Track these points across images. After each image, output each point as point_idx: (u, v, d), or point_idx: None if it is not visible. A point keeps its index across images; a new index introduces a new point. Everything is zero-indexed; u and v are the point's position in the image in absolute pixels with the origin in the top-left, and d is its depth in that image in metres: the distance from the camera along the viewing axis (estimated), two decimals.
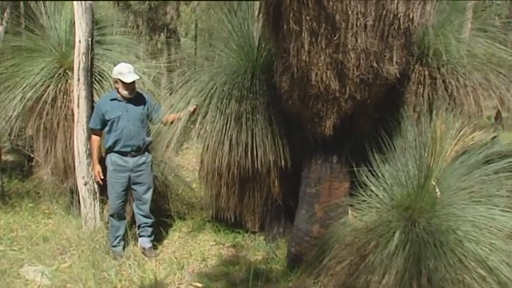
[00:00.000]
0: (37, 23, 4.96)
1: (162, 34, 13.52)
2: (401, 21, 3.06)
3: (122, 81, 4.13)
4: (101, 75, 4.89)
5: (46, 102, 4.75)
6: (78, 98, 4.51)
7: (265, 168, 4.06)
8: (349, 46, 3.10)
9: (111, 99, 4.25)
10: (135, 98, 4.25)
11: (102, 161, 4.43)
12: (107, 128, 4.25)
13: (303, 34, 3.13)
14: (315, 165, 3.83)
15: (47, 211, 5.91)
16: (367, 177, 3.74)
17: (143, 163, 4.33)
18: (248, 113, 3.99)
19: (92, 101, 4.60)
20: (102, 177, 4.34)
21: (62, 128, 4.86)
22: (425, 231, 3.26)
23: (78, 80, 4.51)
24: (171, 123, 4.32)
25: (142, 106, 4.30)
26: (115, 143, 4.23)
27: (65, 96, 4.85)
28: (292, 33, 3.20)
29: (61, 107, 4.84)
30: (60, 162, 4.97)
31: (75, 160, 4.58)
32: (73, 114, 4.61)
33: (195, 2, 14.51)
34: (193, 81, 4.30)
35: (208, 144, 4.13)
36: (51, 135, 4.88)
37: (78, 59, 4.52)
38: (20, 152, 7.69)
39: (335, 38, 3.10)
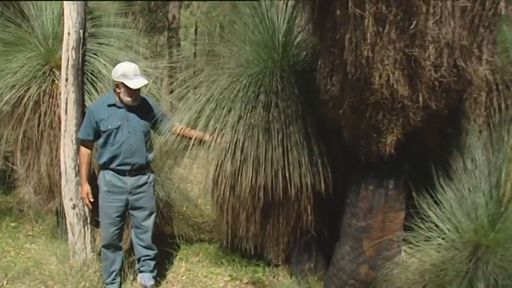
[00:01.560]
0: (18, 11, 4.12)
1: (162, 37, 12.68)
2: (502, 4, 2.26)
3: (126, 87, 3.30)
4: (94, 75, 4.03)
5: (27, 107, 3.90)
6: (66, 102, 3.68)
7: (296, 192, 3.24)
8: (428, 38, 2.30)
9: (109, 105, 3.42)
10: (139, 104, 3.43)
11: (93, 179, 3.61)
12: (101, 140, 3.42)
13: (366, 21, 2.32)
14: (365, 192, 3.01)
15: (30, 232, 5.11)
16: (428, 206, 2.98)
17: (144, 184, 3.50)
18: (278, 123, 3.16)
19: (83, 106, 3.77)
20: (92, 200, 3.51)
21: (46, 138, 4.02)
22: (500, 275, 2.67)
23: (67, 80, 3.68)
24: (184, 136, 3.49)
25: (146, 115, 3.47)
26: (111, 159, 3.41)
27: (50, 100, 4.01)
28: (349, 21, 2.39)
29: (46, 112, 4.00)
30: (45, 179, 4.13)
31: (61, 178, 3.74)
32: (60, 122, 3.77)
33: (195, 4, 13.83)
34: (208, 83, 3.47)
35: (226, 160, 3.31)
36: (33, 147, 4.04)
37: (67, 54, 3.69)
38: (6, 159, 6.84)
39: (411, 27, 2.30)
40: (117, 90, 3.37)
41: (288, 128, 3.14)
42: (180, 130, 3.50)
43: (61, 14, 3.93)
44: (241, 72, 3.50)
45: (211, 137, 3.31)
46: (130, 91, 3.32)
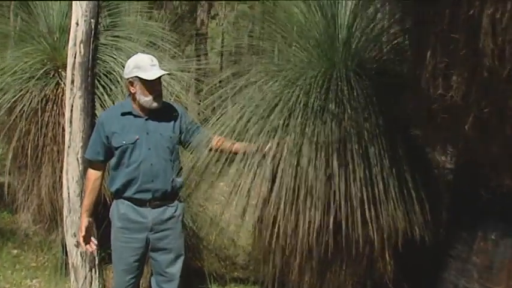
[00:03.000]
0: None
1: (191, 44, 11.97)
2: None
3: (141, 80, 2.49)
4: (108, 77, 3.22)
5: (24, 115, 3.11)
6: (72, 110, 2.89)
7: (379, 238, 2.34)
8: None
9: (123, 114, 2.60)
10: (162, 111, 2.61)
11: (105, 208, 2.79)
12: (113, 160, 2.60)
13: None
14: (483, 242, 2.11)
15: (33, 264, 4.29)
16: None
17: (170, 218, 2.65)
18: (355, 142, 2.28)
19: (93, 116, 2.97)
20: (95, 245, 2.67)
21: (48, 155, 3.23)
22: None
23: (72, 81, 2.88)
24: (226, 152, 2.61)
25: (172, 125, 2.64)
26: (126, 185, 2.57)
27: (54, 107, 3.22)
28: None
29: (48, 123, 3.21)
30: (46, 205, 3.33)
31: (63, 206, 2.94)
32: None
33: (222, 14, 13.20)
34: (254, 88, 2.62)
35: (280, 187, 2.43)
36: (33, 165, 3.25)
37: (74, 50, 2.91)
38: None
39: None
40: (132, 90, 2.55)
41: (368, 148, 2.25)
42: (220, 143, 2.62)
43: (70, 4, 3.15)
44: (297, 75, 2.64)
45: (264, 149, 2.43)
46: (148, 87, 2.50)
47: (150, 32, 3.50)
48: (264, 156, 2.40)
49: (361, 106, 2.39)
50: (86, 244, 2.64)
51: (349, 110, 2.33)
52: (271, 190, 2.52)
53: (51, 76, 3.25)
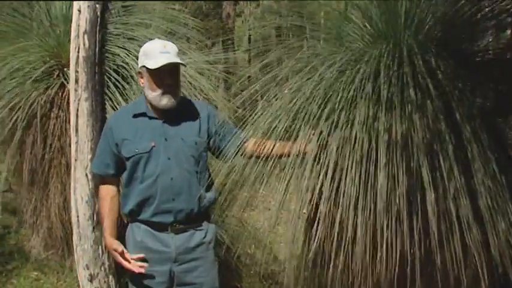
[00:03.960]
0: None
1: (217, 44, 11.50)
2: None
3: (148, 70, 1.95)
4: (120, 73, 2.69)
5: (20, 125, 2.62)
6: (77, 115, 2.37)
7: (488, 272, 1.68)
8: None
9: (136, 115, 2.05)
10: (184, 111, 2.05)
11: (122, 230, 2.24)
12: (125, 175, 2.06)
13: None
14: None
15: None
16: None
17: (199, 245, 2.08)
18: (446, 143, 1.64)
19: (103, 121, 2.43)
20: (141, 267, 2.04)
21: (56, 170, 2.73)
22: None
23: (76, 81, 2.37)
24: (267, 155, 1.98)
25: (198, 127, 2.08)
26: (141, 205, 2.02)
27: (60, 113, 2.72)
28: None
29: (53, 132, 2.71)
30: (57, 228, 2.83)
31: (73, 232, 2.41)
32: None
33: (248, 11, 12.77)
34: (300, 77, 2.01)
35: (342, 204, 1.80)
36: (39, 183, 2.75)
37: (77, 42, 2.39)
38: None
39: None
40: (141, 84, 2.01)
41: (467, 149, 1.61)
42: (259, 146, 1.98)
43: None
44: (355, 56, 2.01)
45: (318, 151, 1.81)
46: (154, 78, 1.95)
47: (172, 18, 2.93)
48: (318, 160, 1.79)
49: (452, 93, 1.74)
50: (128, 263, 2.01)
51: (438, 100, 1.68)
52: (330, 206, 1.91)
53: (55, 77, 2.74)
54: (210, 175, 2.11)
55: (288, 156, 1.86)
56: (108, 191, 2.11)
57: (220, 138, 2.09)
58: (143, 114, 2.04)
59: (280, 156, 1.95)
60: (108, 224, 2.08)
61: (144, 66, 1.96)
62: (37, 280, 4.03)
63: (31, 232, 2.96)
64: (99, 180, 2.17)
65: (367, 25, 2.13)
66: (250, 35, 13.73)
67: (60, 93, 2.71)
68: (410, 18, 1.94)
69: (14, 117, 2.55)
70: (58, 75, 2.75)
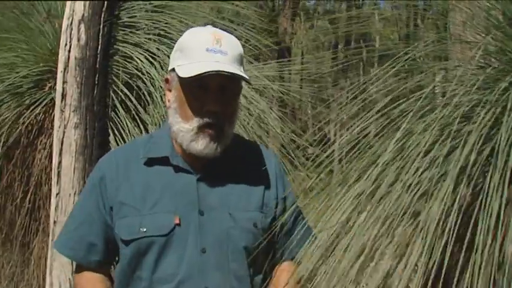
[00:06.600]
0: None
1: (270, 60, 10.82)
2: None
3: (180, 79, 1.02)
4: (135, 88, 1.76)
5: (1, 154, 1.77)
6: (61, 151, 1.47)
7: None
8: None
9: (149, 162, 1.10)
10: (233, 160, 1.10)
11: None
12: (119, 269, 1.11)
13: None
14: None
15: None
16: None
17: None
18: None
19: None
20: None
21: (43, 224, 1.85)
22: None
23: (63, 96, 1.48)
24: None
25: (259, 193, 1.12)
26: None
27: (50, 141, 1.85)
28: None
29: (41, 169, 1.84)
30: None
31: None
32: None
33: (300, 33, 12.33)
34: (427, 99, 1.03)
35: None
36: (21, 248, 1.90)
37: (68, 35, 1.52)
38: None
39: None
40: (167, 103, 1.08)
41: None
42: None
43: None
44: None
45: None
46: (188, 97, 1.04)
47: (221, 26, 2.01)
48: None
49: None
50: None
51: None
52: None
53: (46, 89, 1.86)
54: (265, 280, 1.14)
55: None
56: (89, 282, 1.17)
57: (285, 231, 1.12)
58: (164, 161, 1.09)
59: None
60: None
61: (174, 70, 1.04)
62: None
63: None
64: (75, 269, 1.24)
65: None
66: (303, 55, 13.04)
67: (51, 112, 1.84)
68: None
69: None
70: (50, 88, 1.87)
